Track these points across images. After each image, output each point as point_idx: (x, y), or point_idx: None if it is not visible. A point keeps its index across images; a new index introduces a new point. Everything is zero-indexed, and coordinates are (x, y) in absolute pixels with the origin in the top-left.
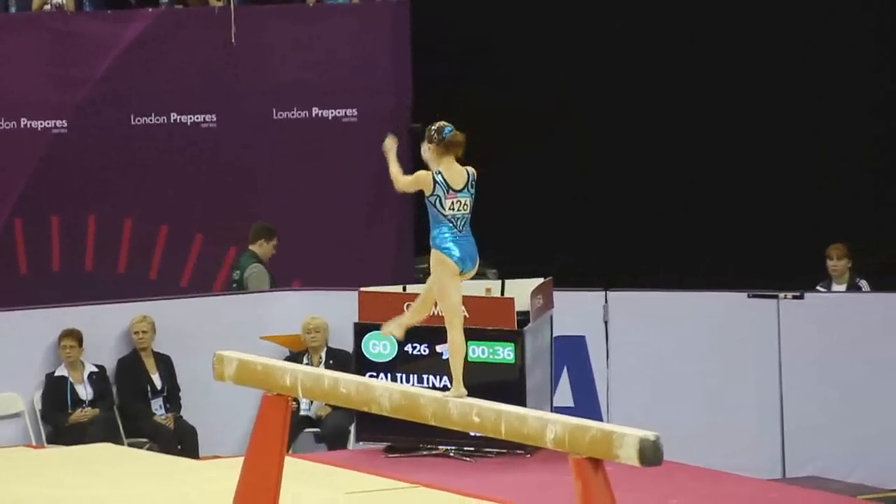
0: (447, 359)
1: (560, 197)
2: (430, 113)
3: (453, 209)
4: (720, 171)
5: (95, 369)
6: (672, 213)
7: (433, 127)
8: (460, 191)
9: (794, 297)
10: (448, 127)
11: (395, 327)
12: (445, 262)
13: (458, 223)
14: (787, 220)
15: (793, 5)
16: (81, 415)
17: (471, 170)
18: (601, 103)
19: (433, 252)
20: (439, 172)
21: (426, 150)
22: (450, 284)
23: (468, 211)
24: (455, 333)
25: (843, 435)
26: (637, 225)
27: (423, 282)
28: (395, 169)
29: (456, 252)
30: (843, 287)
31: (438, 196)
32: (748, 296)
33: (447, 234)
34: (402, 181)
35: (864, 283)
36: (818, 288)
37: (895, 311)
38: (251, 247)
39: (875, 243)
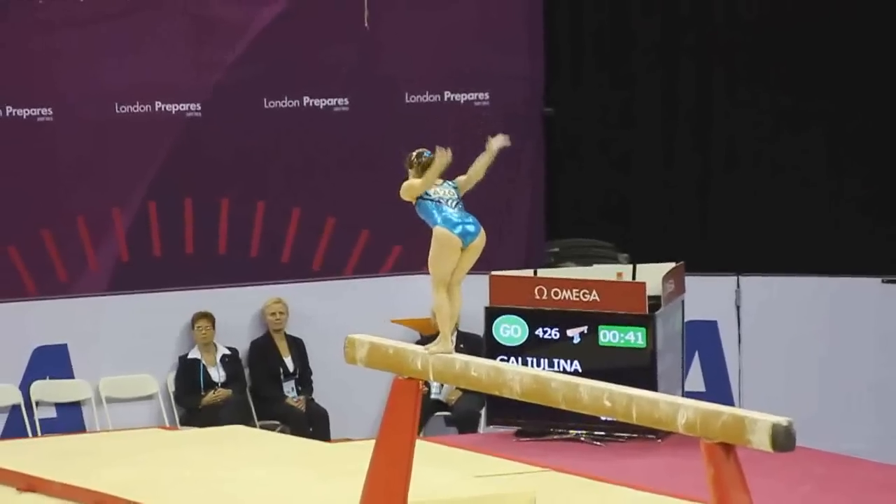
0: (578, 343)
1: (691, 180)
2: (562, 97)
3: (438, 193)
4: (854, 151)
5: (228, 352)
6: (805, 197)
7: (412, 154)
8: (440, 184)
9: None
10: (426, 151)
11: None
12: (449, 238)
13: (451, 203)
14: None
15: None
16: (214, 397)
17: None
18: (730, 90)
19: (436, 230)
20: (425, 195)
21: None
22: (446, 257)
23: (455, 196)
24: (436, 296)
25: None
26: (770, 209)
27: (554, 265)
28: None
29: (460, 232)
30: None
31: (424, 197)
32: (882, 281)
33: (446, 217)
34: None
35: None
36: None
37: None
38: None
39: None
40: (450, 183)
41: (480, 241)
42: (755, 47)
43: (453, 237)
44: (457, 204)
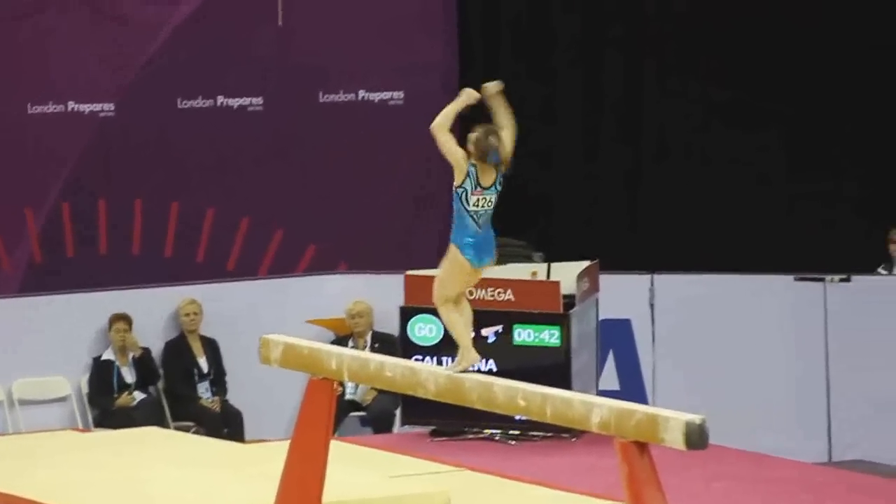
0: (492, 342)
1: (605, 179)
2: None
3: (478, 206)
4: (767, 152)
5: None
6: (718, 196)
7: (475, 134)
8: (487, 188)
9: (841, 280)
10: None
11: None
12: (461, 261)
13: (480, 219)
14: (835, 203)
15: None
16: (128, 398)
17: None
18: (646, 88)
19: (451, 247)
20: (474, 165)
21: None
22: (455, 280)
23: (491, 207)
24: (444, 313)
25: (890, 419)
26: (683, 208)
27: None
28: (447, 112)
29: (473, 256)
30: None
31: (466, 190)
32: (794, 279)
33: (469, 236)
34: (443, 131)
35: None
36: (879, 271)
37: None
38: None
39: None
40: (496, 189)
41: (490, 263)
42: (686, 38)
43: (465, 262)
44: (486, 221)
